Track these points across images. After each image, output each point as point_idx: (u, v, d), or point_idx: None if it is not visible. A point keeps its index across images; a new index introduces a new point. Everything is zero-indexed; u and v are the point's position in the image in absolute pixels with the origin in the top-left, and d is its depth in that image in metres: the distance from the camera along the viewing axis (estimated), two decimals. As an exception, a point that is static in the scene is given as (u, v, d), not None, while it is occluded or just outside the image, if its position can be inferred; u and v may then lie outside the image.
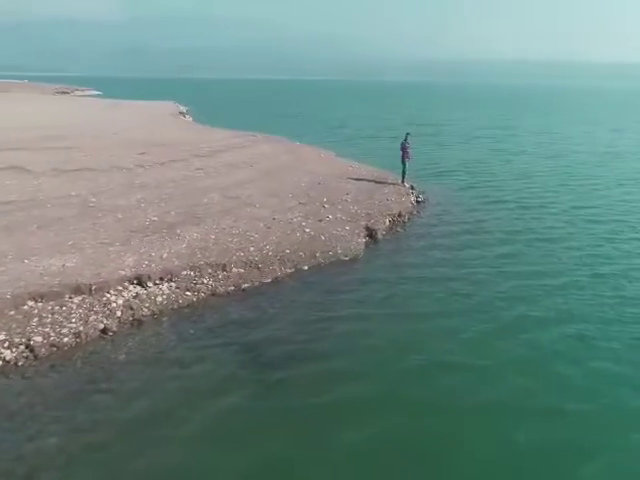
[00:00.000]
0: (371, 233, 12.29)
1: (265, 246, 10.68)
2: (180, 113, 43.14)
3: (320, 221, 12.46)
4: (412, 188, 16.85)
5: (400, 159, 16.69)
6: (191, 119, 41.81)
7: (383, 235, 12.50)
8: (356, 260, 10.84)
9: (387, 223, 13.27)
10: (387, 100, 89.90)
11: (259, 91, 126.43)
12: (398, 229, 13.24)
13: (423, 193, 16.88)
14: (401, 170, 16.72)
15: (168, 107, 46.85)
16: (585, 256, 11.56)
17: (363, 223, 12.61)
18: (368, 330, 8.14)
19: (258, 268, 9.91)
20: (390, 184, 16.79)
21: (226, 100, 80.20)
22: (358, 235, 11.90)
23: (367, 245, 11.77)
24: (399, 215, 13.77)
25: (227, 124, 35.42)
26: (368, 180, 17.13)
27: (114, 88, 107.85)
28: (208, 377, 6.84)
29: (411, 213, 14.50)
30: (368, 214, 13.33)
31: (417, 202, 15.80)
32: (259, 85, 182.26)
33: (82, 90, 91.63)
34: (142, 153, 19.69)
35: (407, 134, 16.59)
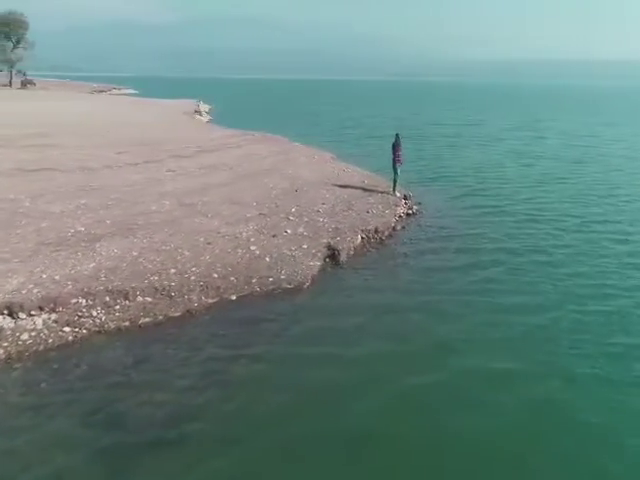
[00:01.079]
0: (333, 253, 10.20)
1: (191, 268, 8.84)
2: (195, 112, 42.18)
3: (274, 237, 10.50)
4: (406, 198, 14.56)
5: (391, 164, 14.43)
6: (206, 117, 40.83)
7: (349, 256, 10.37)
8: (300, 289, 8.78)
9: (358, 241, 11.12)
10: (417, 100, 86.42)
11: (294, 91, 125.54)
12: (371, 248, 11.04)
13: (419, 204, 14.58)
14: (392, 177, 14.48)
15: (187, 106, 46.16)
16: (594, 288, 9.07)
17: (325, 241, 10.54)
18: (265, 384, 6.25)
19: (170, 297, 8.08)
20: (380, 192, 14.56)
21: (255, 99, 79.56)
22: (314, 256, 9.84)
23: (323, 269, 9.68)
24: (376, 231, 11.57)
25: (240, 122, 34.26)
26: (355, 187, 14.98)
27: (152, 87, 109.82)
28: (33, 444, 5.13)
29: (394, 228, 12.24)
30: (336, 229, 11.24)
31: (408, 214, 13.51)
32: (298, 85, 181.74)
33: (118, 89, 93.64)
34: (120, 152, 18.41)
35: (397, 135, 14.30)
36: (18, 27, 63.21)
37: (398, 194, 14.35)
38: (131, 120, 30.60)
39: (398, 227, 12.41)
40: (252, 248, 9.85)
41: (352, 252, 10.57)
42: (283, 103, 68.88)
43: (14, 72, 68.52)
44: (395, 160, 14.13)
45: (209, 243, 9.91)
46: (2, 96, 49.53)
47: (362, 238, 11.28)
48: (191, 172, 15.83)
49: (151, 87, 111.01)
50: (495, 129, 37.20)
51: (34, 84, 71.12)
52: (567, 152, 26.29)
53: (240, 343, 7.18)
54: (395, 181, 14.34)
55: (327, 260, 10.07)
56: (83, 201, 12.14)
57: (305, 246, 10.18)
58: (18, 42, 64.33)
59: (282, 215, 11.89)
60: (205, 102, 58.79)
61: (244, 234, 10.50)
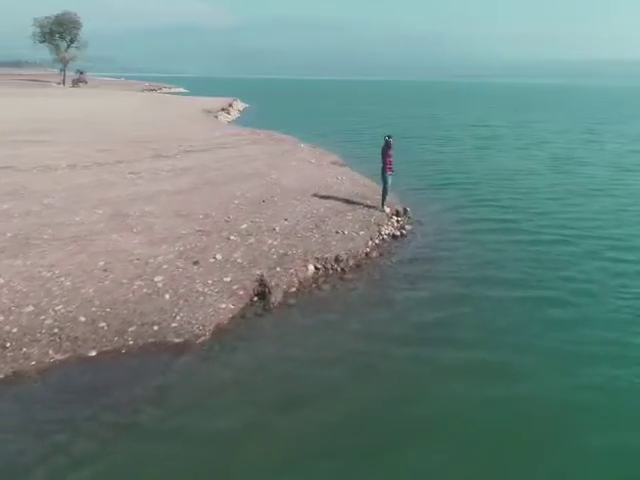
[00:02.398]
0: (263, 291, 7.73)
1: (56, 306, 6.71)
2: (222, 110, 40.84)
3: (195, 264, 8.18)
4: (398, 214, 11.76)
5: (380, 173, 11.67)
6: (232, 116, 39.41)
7: (287, 295, 7.84)
8: (190, 346, 6.39)
9: (309, 272, 8.55)
10: (468, 101, 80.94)
11: (346, 92, 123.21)
12: (324, 284, 8.41)
13: (416, 222, 11.73)
14: (382, 188, 11.70)
15: (218, 104, 44.98)
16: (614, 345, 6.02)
17: (259, 272, 8.08)
18: None
19: (3, 348, 5.99)
20: (367, 207, 11.84)
21: (299, 99, 78.10)
22: (232, 295, 7.42)
23: (242, 314, 7.23)
24: (336, 260, 8.93)
25: (265, 121, 32.84)
26: (339, 198, 12.35)
27: (203, 87, 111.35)
28: None
29: (367, 255, 9.54)
30: (284, 256, 8.74)
31: (395, 237, 10.74)
32: (352, 86, 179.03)
33: (169, 88, 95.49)
34: (101, 151, 16.90)
35: (387, 137, 11.49)
36: (72, 27, 65.49)
37: (387, 209, 11.57)
38: (143, 117, 29.58)
39: (374, 254, 9.68)
40: (156, 280, 7.59)
41: (293, 289, 8.05)
42: (327, 104, 66.70)
43: (67, 70, 71.17)
44: (384, 168, 11.36)
45: (106, 270, 7.77)
46: (43, 93, 51.02)
47: (315, 269, 8.71)
48: (157, 175, 13.90)
49: (203, 86, 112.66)
50: (543, 131, 32.81)
51: (86, 82, 73.64)
52: (620, 159, 22.03)
53: (57, 437, 4.91)
54: (384, 194, 11.56)
55: (254, 300, 7.63)
56: (5, 206, 10.48)
57: (228, 279, 7.78)
58: (71, 42, 66.70)
59: (225, 233, 9.56)
60: (243, 101, 58.14)
61: (159, 258, 8.27)
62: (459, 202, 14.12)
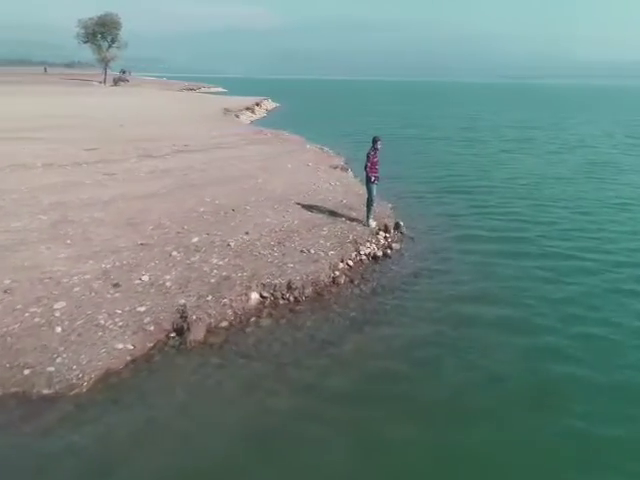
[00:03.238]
0: (182, 328, 6.29)
1: None
2: (247, 109, 39.96)
3: (115, 286, 6.83)
4: (386, 230, 10.01)
5: (364, 181, 9.95)
6: (257, 115, 38.49)
7: (212, 330, 6.37)
8: (60, 399, 5.05)
9: (251, 302, 7.04)
10: (519, 102, 76.52)
11: (385, 92, 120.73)
12: (265, 319, 6.85)
13: (403, 240, 9.95)
14: (367, 199, 9.97)
15: (245, 103, 44.21)
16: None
17: (183, 301, 6.65)
18: None
19: None
20: (350, 220, 10.18)
21: (334, 100, 76.70)
22: (140, 331, 6.01)
23: (147, 356, 5.82)
24: (289, 287, 7.36)
25: (289, 121, 31.76)
26: (322, 209, 10.75)
27: (241, 86, 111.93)
28: None
29: (334, 282, 7.89)
30: (225, 280, 7.27)
31: (375, 258, 9.03)
32: (394, 87, 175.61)
33: (207, 87, 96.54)
34: (88, 150, 16.08)
35: (374, 139, 9.75)
36: (113, 27, 67.02)
37: (373, 224, 9.85)
38: (158, 116, 28.99)
39: (342, 280, 8.04)
40: (57, 306, 6.31)
41: (225, 324, 6.56)
42: (362, 104, 64.90)
43: (112, 70, 73.04)
44: (368, 176, 9.65)
45: (7, 290, 6.56)
46: (77, 91, 52.14)
47: (261, 298, 7.18)
48: (133, 177, 12.81)
49: (241, 86, 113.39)
50: (586, 135, 29.68)
51: (127, 81, 75.32)
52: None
53: None
54: (369, 205, 9.84)
55: (170, 337, 6.21)
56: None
57: (142, 309, 6.40)
58: (112, 42, 68.28)
59: (169, 248, 8.21)
60: (274, 100, 57.37)
61: (76, 278, 7.00)
62: (465, 213, 12.25)
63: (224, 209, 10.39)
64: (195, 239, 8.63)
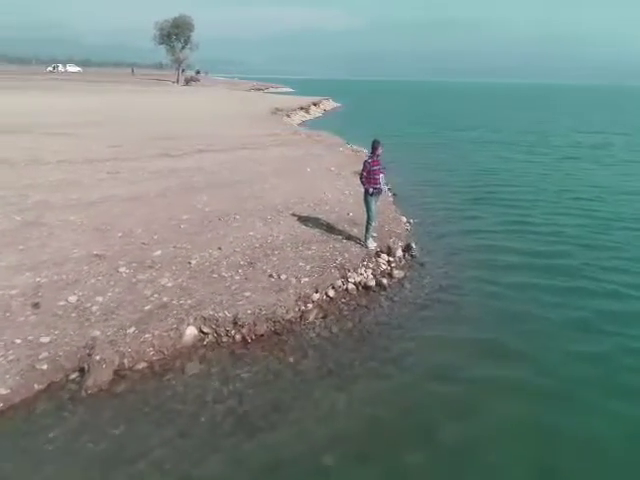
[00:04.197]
0: (84, 369, 5.14)
1: None
2: (301, 108, 39.07)
3: (34, 307, 5.83)
4: (389, 252, 8.28)
5: (363, 196, 8.25)
6: (305, 115, 37.44)
7: (124, 374, 5.14)
8: None
9: (184, 339, 5.74)
10: (604, 106, 69.03)
11: (466, 94, 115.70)
12: (193, 364, 5.46)
13: (411, 266, 8.17)
14: (366, 216, 8.25)
15: (300, 102, 43.47)
16: None
17: (97, 333, 5.51)
18: None
19: None
20: (348, 238, 8.58)
21: (401, 101, 74.16)
22: (29, 371, 4.88)
23: (30, 405, 4.72)
24: (234, 323, 5.98)
25: (340, 120, 30.48)
26: (321, 222, 9.22)
27: (309, 87, 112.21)
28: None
29: (301, 317, 6.38)
30: (161, 307, 6.04)
31: (366, 288, 7.35)
32: (474, 88, 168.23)
33: (275, 87, 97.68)
34: (112, 146, 15.80)
35: (374, 144, 7.98)
36: (186, 29, 69.60)
37: (372, 245, 8.16)
38: (204, 114, 28.88)
39: (311, 317, 6.48)
40: (-46, 328, 5.46)
41: (142, 365, 5.31)
42: (429, 105, 62.08)
43: (188, 70, 76.07)
44: (366, 188, 7.99)
45: None
46: (145, 89, 54.40)
47: (202, 333, 5.86)
48: (135, 176, 12.09)
49: (309, 87, 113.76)
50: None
51: (198, 80, 78.05)
52: None
53: None
54: (369, 223, 8.15)
55: (69, 379, 5.09)
56: None
57: (46, 339, 5.32)
58: (185, 43, 70.92)
59: (122, 262, 7.16)
60: (336, 100, 56.29)
61: (-1, 293, 6.17)
62: (500, 230, 10.24)
63: (210, 217, 9.25)
64: (157, 252, 7.54)
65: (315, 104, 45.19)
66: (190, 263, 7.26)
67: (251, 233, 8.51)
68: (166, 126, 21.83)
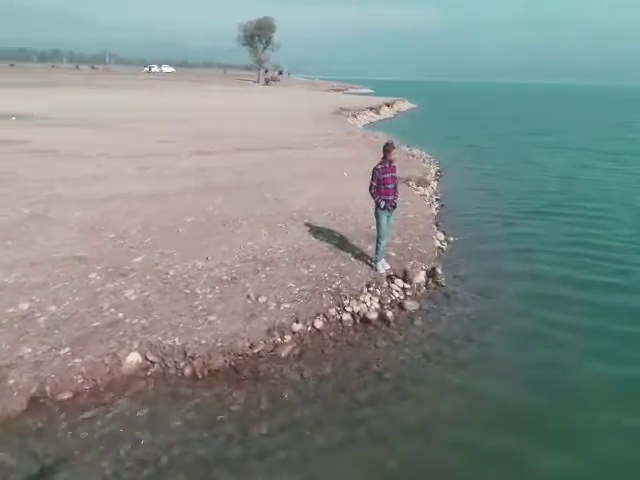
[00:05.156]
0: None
1: None
2: (370, 109, 37.59)
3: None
4: (405, 278, 6.86)
5: (373, 210, 6.88)
6: (374, 116, 35.92)
7: (40, 403, 4.42)
8: None
9: (123, 367, 4.84)
10: None
11: (558, 96, 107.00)
12: (119, 402, 4.55)
13: (430, 297, 6.70)
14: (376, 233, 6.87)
15: (365, 102, 42.04)
16: None
17: (29, 351, 4.82)
18: None
19: None
20: (358, 257, 7.28)
21: (486, 103, 69.73)
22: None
23: None
24: (184, 354, 4.97)
25: (411, 121, 28.73)
26: (335, 234, 7.97)
27: (388, 88, 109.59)
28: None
29: (272, 351, 5.31)
30: (111, 325, 5.23)
31: (366, 321, 6.04)
32: (572, 91, 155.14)
33: (355, 88, 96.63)
34: (162, 142, 15.79)
35: (386, 147, 6.54)
36: (268, 30, 71.00)
37: (382, 268, 6.79)
38: (264, 113, 28.65)
39: (284, 353, 5.31)
40: None
41: (66, 396, 4.53)
42: (516, 108, 57.65)
43: (264, 71, 77.82)
44: (378, 200, 6.59)
45: None
46: (227, 89, 56.04)
47: (149, 362, 4.95)
48: (160, 174, 11.72)
49: (390, 88, 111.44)
50: None
51: (278, 80, 79.48)
52: None
53: None
54: (378, 241, 6.78)
55: None
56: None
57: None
58: (267, 44, 72.39)
59: (99, 267, 6.50)
60: (411, 101, 54.08)
61: (-42, 293, 5.79)
62: (552, 251, 8.45)
63: (215, 222, 8.45)
64: (139, 259, 6.85)
65: (388, 105, 43.52)
66: (168, 274, 6.46)
67: (250, 243, 7.56)
68: (223, 124, 21.77)
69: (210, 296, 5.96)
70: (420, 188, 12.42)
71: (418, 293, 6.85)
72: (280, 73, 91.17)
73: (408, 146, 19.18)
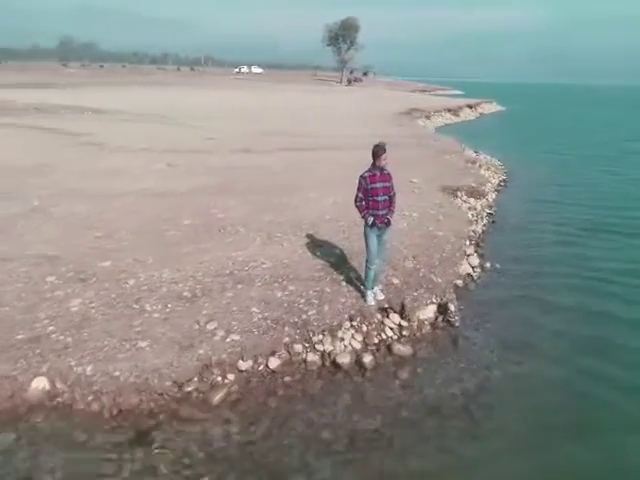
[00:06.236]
0: None
1: None
2: (449, 110, 35.06)
3: None
4: (402, 313, 5.49)
5: (363, 232, 5.50)
6: (452, 118, 33.40)
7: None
8: None
9: (28, 394, 4.17)
10: None
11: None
12: (4, 437, 3.94)
13: (431, 342, 5.29)
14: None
15: (441, 104, 39.36)
16: None
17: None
18: None
19: None
20: (351, 282, 6.03)
21: (576, 106, 62.83)
22: None
23: None
24: (90, 387, 4.18)
25: (493, 126, 26.33)
26: (332, 254, 6.78)
27: (477, 90, 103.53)
28: None
29: (208, 392, 4.32)
30: (31, 341, 4.59)
31: (335, 365, 4.83)
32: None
33: (443, 90, 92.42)
34: (210, 139, 15.58)
35: (376, 150, 5.14)
36: (352, 30, 70.12)
37: (372, 299, 5.46)
38: (333, 112, 27.65)
39: (216, 399, 4.24)
40: None
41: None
42: (616, 112, 51.18)
43: (349, 71, 77.22)
44: (365, 215, 5.29)
45: None
46: (301, 88, 56.11)
47: (59, 389, 4.26)
48: (188, 171, 11.34)
49: (481, 89, 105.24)
50: None
51: (361, 81, 78.41)
52: None
53: None
54: (368, 267, 5.45)
55: None
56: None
57: None
58: (351, 44, 71.58)
59: (63, 269, 5.99)
60: (500, 103, 50.09)
61: None
62: (606, 279, 6.43)
63: (212, 227, 7.68)
64: (106, 263, 6.25)
65: (471, 107, 40.50)
66: (127, 283, 5.77)
67: (235, 254, 6.65)
68: (288, 123, 21.30)
69: (156, 315, 5.14)
70: (471, 200, 10.70)
71: (418, 334, 5.47)
72: (365, 74, 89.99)
73: (475, 151, 17.22)
